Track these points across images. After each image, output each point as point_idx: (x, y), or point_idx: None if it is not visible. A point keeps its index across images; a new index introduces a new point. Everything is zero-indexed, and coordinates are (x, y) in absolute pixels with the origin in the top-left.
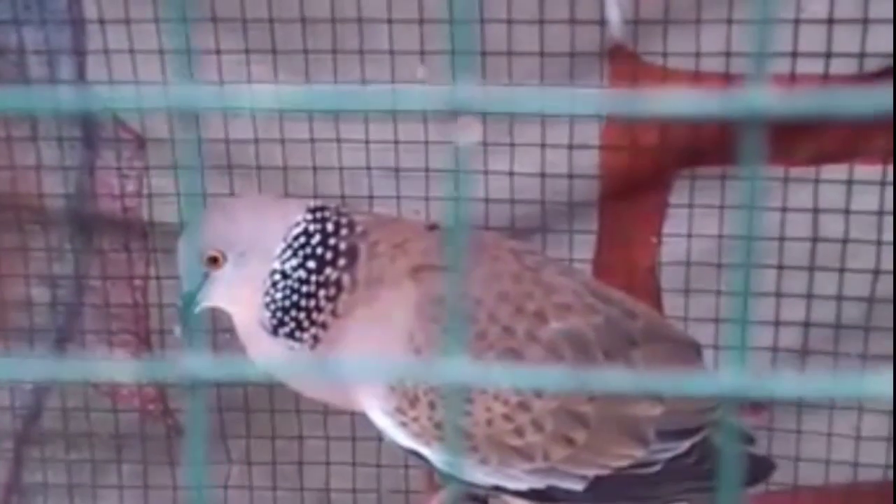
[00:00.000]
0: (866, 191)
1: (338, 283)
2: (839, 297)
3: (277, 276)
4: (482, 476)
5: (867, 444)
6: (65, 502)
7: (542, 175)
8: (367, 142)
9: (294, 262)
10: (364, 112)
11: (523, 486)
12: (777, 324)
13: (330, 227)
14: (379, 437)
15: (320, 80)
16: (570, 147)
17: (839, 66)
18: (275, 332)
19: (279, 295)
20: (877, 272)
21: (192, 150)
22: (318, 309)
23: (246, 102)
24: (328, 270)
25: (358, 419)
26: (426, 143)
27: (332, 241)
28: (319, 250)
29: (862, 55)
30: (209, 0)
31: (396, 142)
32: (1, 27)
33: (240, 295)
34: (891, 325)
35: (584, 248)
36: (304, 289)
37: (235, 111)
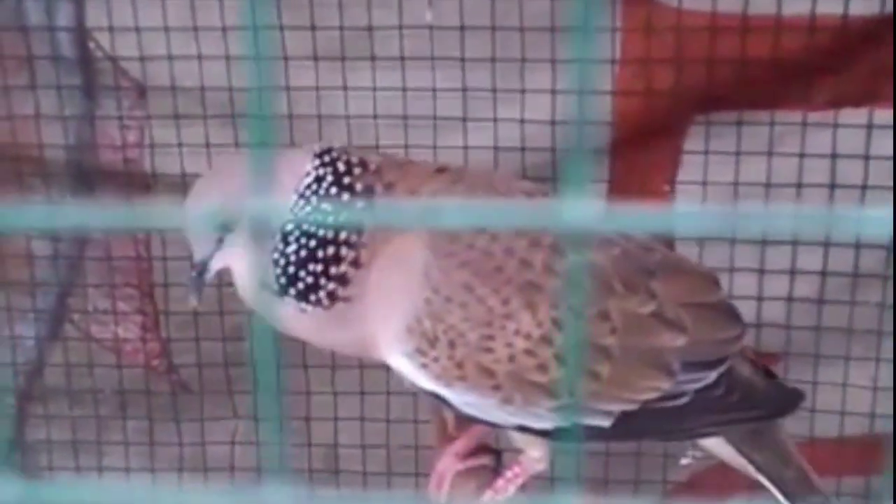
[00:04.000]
0: (886, 135)
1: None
2: (857, 245)
3: (289, 227)
4: (506, 416)
5: (884, 395)
6: (69, 459)
7: (553, 122)
8: (374, 89)
9: (308, 209)
10: None
11: (549, 424)
12: (793, 272)
13: (341, 166)
14: (387, 392)
15: (326, 25)
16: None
17: (858, 7)
18: (284, 291)
19: (292, 248)
20: None
21: None
22: (338, 259)
23: None
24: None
25: (366, 374)
26: (434, 90)
27: (346, 181)
28: (334, 190)
29: None
30: None
31: (405, 89)
32: None
33: (251, 257)
34: None
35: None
36: (322, 233)
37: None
